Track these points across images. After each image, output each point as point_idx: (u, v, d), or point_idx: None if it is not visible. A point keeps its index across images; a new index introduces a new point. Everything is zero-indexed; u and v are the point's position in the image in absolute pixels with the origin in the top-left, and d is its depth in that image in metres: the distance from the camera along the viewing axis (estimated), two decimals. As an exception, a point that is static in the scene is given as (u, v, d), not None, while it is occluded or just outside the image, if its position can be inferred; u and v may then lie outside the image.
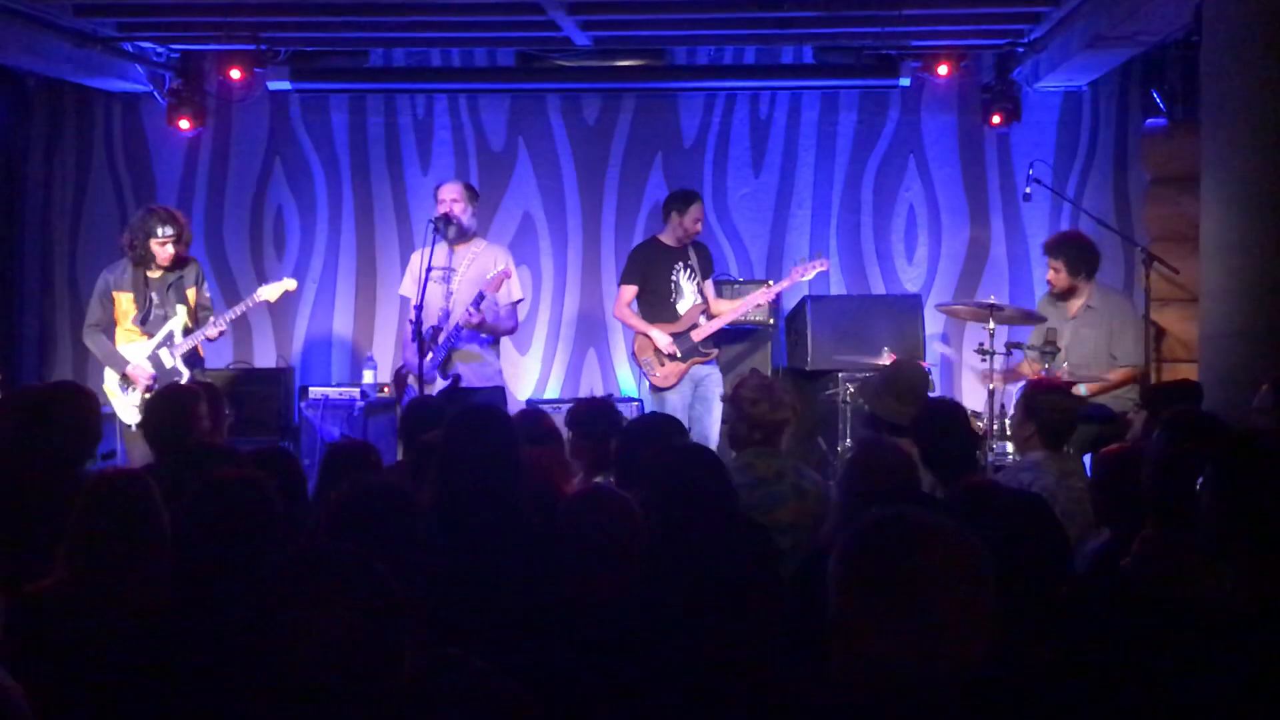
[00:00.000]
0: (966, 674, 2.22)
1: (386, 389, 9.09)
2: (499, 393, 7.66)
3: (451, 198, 7.64)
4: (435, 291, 7.55)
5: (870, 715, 2.23)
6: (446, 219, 7.57)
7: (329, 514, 3.21)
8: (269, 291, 7.80)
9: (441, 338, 7.49)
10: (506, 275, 7.52)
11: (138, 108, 10.13)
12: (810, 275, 8.44)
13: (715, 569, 3.53)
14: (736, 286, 9.10)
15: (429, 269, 7.45)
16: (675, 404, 8.00)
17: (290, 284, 7.95)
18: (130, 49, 9.29)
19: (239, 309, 7.75)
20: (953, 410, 5.11)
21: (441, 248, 7.60)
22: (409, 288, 7.74)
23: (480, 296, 7.39)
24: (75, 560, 3.43)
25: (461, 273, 7.62)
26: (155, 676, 3.00)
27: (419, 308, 7.34)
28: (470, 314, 7.39)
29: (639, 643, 3.16)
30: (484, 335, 7.59)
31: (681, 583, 3.42)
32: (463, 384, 7.41)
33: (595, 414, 5.51)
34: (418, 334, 7.29)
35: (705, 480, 3.96)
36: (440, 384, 7.43)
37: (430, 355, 7.43)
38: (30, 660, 3.09)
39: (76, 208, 10.23)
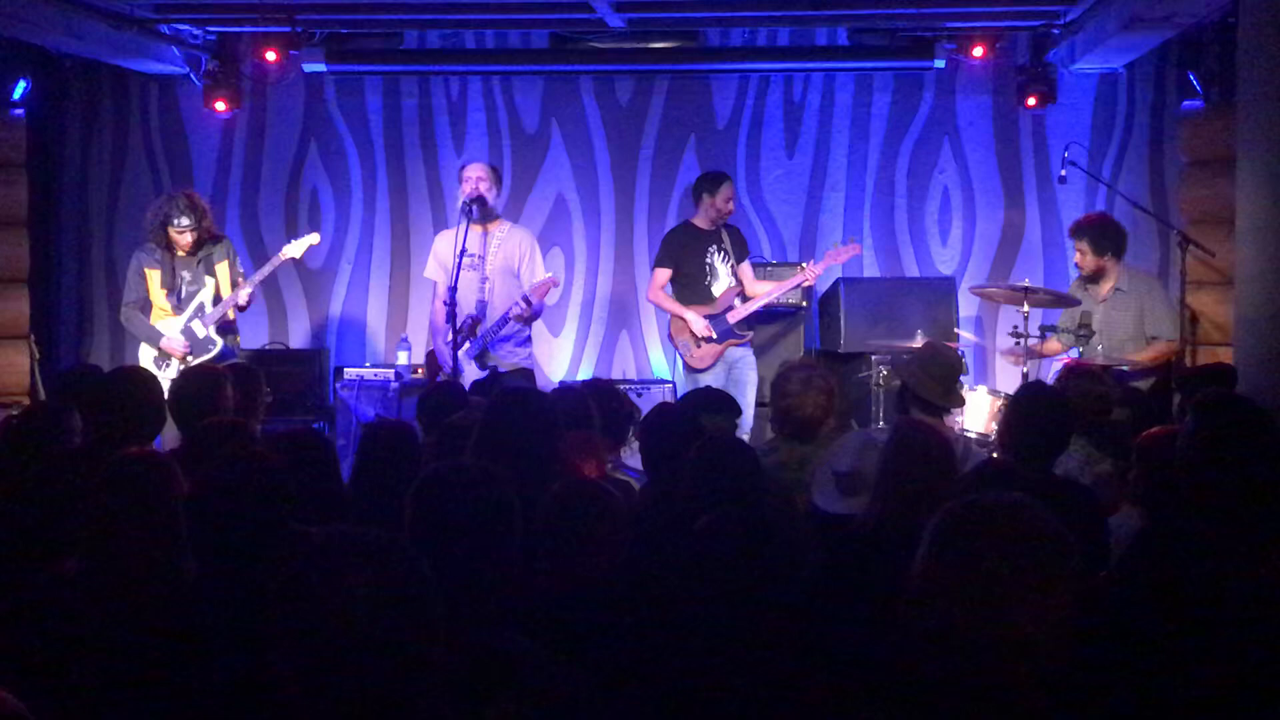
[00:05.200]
0: (1038, 662, 2.24)
1: (420, 370, 9.13)
2: (527, 374, 7.74)
3: (478, 176, 7.75)
4: (468, 279, 7.63)
5: (941, 689, 2.25)
6: (481, 200, 7.63)
7: (418, 493, 3.16)
8: (294, 248, 7.91)
9: (480, 330, 7.59)
10: (555, 284, 7.78)
11: (174, 90, 10.18)
12: (844, 259, 8.48)
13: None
14: (769, 269, 9.10)
15: (462, 253, 7.51)
16: (708, 384, 8.03)
17: (314, 238, 8.07)
18: (167, 31, 9.33)
19: (266, 270, 7.88)
20: (1052, 394, 5.07)
21: (472, 233, 7.68)
22: (435, 271, 7.83)
23: (526, 300, 7.54)
24: (93, 540, 3.45)
25: (491, 260, 7.70)
26: (171, 656, 3.03)
27: (452, 289, 7.43)
28: (521, 308, 7.53)
29: (627, 632, 3.16)
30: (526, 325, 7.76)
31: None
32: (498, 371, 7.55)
33: (608, 392, 5.56)
34: (452, 315, 7.36)
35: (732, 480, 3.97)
36: (474, 372, 7.53)
37: (467, 345, 7.55)
38: (51, 639, 3.13)
39: (113, 189, 10.30)
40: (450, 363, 7.56)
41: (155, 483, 3.46)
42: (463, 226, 7.67)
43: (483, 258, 7.69)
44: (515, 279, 7.79)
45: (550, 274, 7.85)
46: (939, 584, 2.29)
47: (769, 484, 4.37)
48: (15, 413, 5.55)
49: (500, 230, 7.82)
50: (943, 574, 2.30)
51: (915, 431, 4.34)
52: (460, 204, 7.78)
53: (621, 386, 7.96)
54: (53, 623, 3.20)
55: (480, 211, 7.67)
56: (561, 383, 9.47)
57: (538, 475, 3.96)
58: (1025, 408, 4.78)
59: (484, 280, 7.68)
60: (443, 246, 7.85)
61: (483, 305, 7.67)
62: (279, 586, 2.23)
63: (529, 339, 7.95)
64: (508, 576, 2.99)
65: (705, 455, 4.13)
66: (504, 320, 7.59)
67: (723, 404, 5.43)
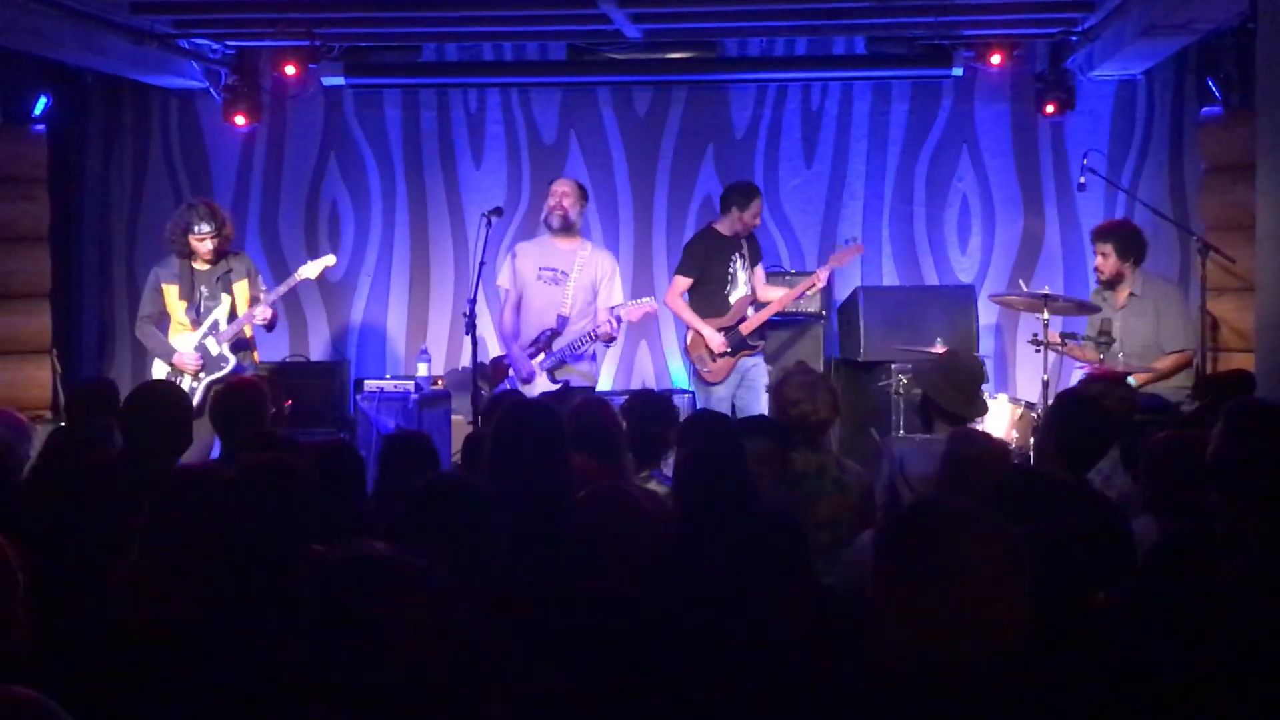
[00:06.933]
0: (1001, 664, 2.22)
1: (440, 381, 9.14)
2: (589, 390, 7.83)
3: (563, 191, 8.00)
4: (549, 293, 7.79)
5: (903, 704, 2.23)
6: (564, 216, 7.89)
7: (402, 510, 3.22)
8: (310, 269, 7.98)
9: (557, 344, 7.69)
10: (653, 310, 8.09)
11: (194, 104, 10.22)
12: (848, 260, 8.51)
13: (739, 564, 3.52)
14: (788, 278, 9.09)
15: (542, 269, 7.87)
16: (722, 395, 8.12)
17: (329, 260, 8.16)
18: (186, 46, 9.38)
19: (282, 289, 7.93)
20: (1093, 401, 5.09)
21: (551, 247, 7.97)
22: (509, 281, 7.96)
23: (619, 319, 7.76)
24: (148, 551, 3.48)
25: (576, 277, 7.84)
26: (214, 668, 3.04)
27: (471, 301, 7.49)
28: (613, 327, 7.77)
29: (655, 641, 3.15)
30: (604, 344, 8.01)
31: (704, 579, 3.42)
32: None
33: (650, 407, 5.49)
34: (471, 327, 7.41)
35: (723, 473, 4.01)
36: (545, 384, 7.64)
37: (542, 356, 7.67)
38: (101, 645, 3.15)
39: (134, 204, 10.35)
40: (525, 368, 7.79)
41: (215, 498, 3.50)
42: (546, 239, 8.03)
43: (566, 274, 7.86)
44: (593, 298, 7.88)
45: (649, 299, 8.07)
46: (892, 596, 2.28)
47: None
48: (61, 423, 5.60)
49: (584, 249, 7.96)
50: (890, 584, 2.28)
51: (972, 442, 4.33)
52: (543, 218, 8.06)
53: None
54: (101, 627, 3.23)
55: (562, 224, 7.89)
56: (599, 393, 9.48)
57: (549, 485, 3.98)
58: (1067, 414, 4.79)
59: (568, 296, 7.79)
60: (523, 260, 7.97)
61: (563, 320, 7.83)
62: (311, 607, 2.24)
63: (596, 355, 8.06)
64: (489, 582, 3.04)
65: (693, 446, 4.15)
66: (590, 336, 7.71)
67: (765, 428, 5.37)
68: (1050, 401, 6.21)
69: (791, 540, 3.52)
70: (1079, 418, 4.75)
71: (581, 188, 8.12)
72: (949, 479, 4.13)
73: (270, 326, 7.86)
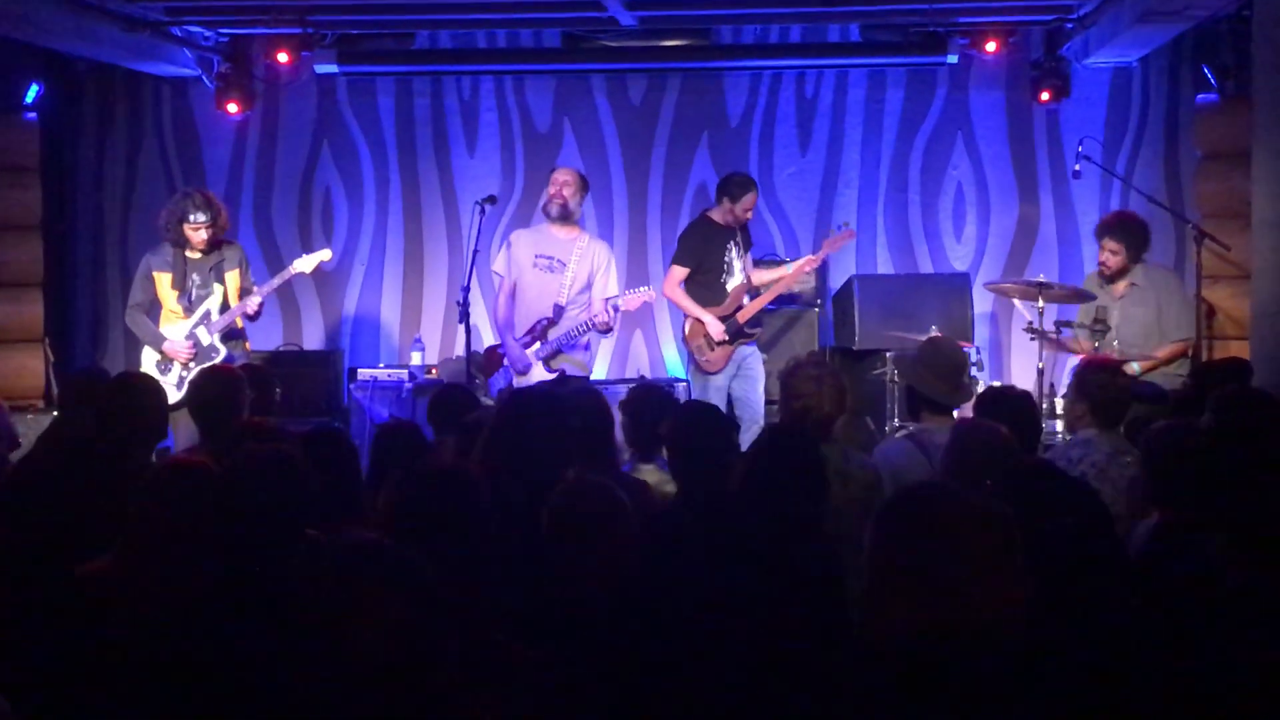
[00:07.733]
0: (998, 647, 2.22)
1: (434, 370, 9.13)
2: (583, 380, 7.82)
3: (564, 180, 7.92)
4: (546, 281, 7.76)
5: (897, 685, 2.24)
6: (563, 205, 7.82)
7: (389, 504, 3.19)
8: (305, 263, 7.95)
9: (553, 333, 7.69)
10: (650, 300, 8.03)
11: (187, 92, 10.19)
12: (839, 246, 8.49)
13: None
14: (783, 266, 9.07)
15: (539, 256, 7.79)
16: (720, 384, 8.08)
17: (325, 254, 8.13)
18: (179, 33, 9.34)
19: (275, 282, 7.92)
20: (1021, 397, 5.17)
21: (548, 235, 7.88)
22: (505, 267, 7.93)
23: (616, 309, 7.73)
24: (132, 544, 3.47)
25: (573, 267, 7.84)
26: (199, 661, 3.03)
27: (465, 289, 7.47)
28: (610, 317, 7.72)
29: (639, 639, 3.14)
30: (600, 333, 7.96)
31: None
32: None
33: (648, 400, 5.46)
34: (465, 315, 7.38)
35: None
36: (542, 374, 7.63)
37: (537, 346, 7.65)
38: (79, 639, 3.14)
39: (127, 191, 10.32)
40: (520, 361, 7.73)
41: (201, 493, 3.48)
42: (543, 226, 7.95)
43: (564, 263, 7.82)
44: (589, 288, 7.88)
45: (646, 288, 8.01)
46: (888, 579, 2.28)
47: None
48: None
49: (582, 240, 7.94)
50: (886, 566, 2.30)
51: (977, 433, 4.33)
52: (542, 205, 8.00)
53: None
54: (79, 621, 3.22)
55: (560, 213, 7.84)
56: (594, 381, 9.46)
57: (547, 476, 3.95)
58: (991, 410, 4.94)
59: (564, 285, 7.78)
60: (518, 247, 7.94)
61: (559, 310, 7.79)
62: (296, 597, 2.24)
63: (590, 345, 8.04)
64: (483, 576, 3.02)
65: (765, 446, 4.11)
66: (588, 326, 7.70)
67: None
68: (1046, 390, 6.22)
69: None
70: (1003, 411, 4.85)
71: (583, 178, 8.07)
72: (952, 468, 4.12)
73: (254, 317, 7.81)
